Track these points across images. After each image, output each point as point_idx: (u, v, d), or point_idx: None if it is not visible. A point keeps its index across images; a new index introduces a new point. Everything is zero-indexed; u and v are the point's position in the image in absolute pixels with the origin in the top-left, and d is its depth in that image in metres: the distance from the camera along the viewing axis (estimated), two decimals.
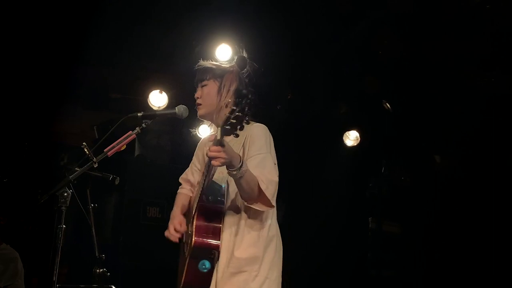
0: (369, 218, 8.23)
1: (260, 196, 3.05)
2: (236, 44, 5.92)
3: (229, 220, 3.22)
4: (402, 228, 8.05)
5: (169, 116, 3.49)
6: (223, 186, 3.26)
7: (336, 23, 6.19)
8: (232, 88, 3.28)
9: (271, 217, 3.31)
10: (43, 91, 6.23)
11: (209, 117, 3.47)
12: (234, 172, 2.94)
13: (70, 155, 6.10)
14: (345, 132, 7.89)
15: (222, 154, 2.86)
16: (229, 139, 2.87)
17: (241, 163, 2.92)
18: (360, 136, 7.83)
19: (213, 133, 3.54)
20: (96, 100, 6.72)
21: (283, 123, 7.64)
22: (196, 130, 6.73)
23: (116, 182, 4.25)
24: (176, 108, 3.44)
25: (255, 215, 3.22)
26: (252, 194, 3.05)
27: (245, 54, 3.53)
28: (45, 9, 5.63)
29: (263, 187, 3.01)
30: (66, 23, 5.76)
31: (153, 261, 6.61)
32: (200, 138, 3.81)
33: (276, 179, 3.13)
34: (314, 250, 7.88)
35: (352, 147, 7.90)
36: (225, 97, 3.26)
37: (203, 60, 3.55)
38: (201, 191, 3.20)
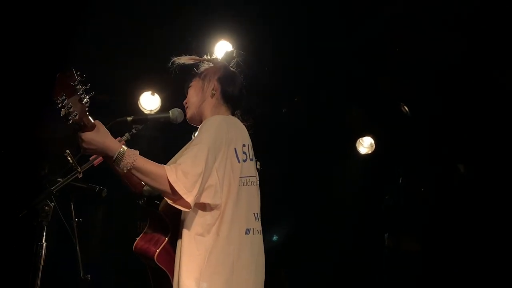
0: (385, 235, 8.20)
1: (174, 190, 2.88)
2: (235, 42, 5.93)
3: (178, 232, 3.10)
4: (423, 246, 8.02)
5: (162, 121, 3.49)
6: None
7: (348, 17, 6.19)
8: (215, 77, 3.34)
9: (226, 229, 3.07)
10: (22, 92, 6.22)
11: (198, 119, 3.48)
12: (115, 165, 2.91)
13: (52, 164, 6.10)
14: (358, 138, 7.89)
15: (82, 143, 2.87)
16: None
17: (117, 154, 2.85)
18: (375, 143, 7.82)
19: None
20: None
21: (289, 128, 7.64)
22: (192, 136, 6.73)
23: (103, 194, 4.25)
24: (170, 111, 3.44)
25: (198, 225, 3.06)
26: (160, 188, 2.92)
27: (233, 48, 3.57)
28: (26, 4, 5.63)
29: (171, 178, 2.84)
30: (49, 19, 5.76)
31: (145, 282, 6.60)
32: None
33: (196, 170, 2.89)
34: (323, 270, 7.86)
35: (366, 155, 7.89)
36: (207, 88, 3.29)
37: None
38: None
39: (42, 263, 3.18)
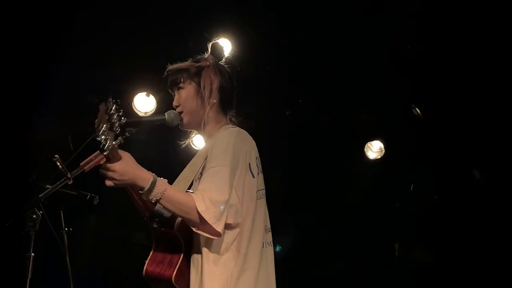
0: (395, 245, 8.20)
1: (202, 220, 2.92)
2: (235, 41, 5.93)
3: (194, 252, 3.16)
4: (435, 257, 8.02)
5: (157, 124, 3.49)
6: None
7: (356, 13, 6.19)
8: (214, 85, 3.34)
9: (246, 246, 3.17)
10: (8, 94, 6.23)
11: (195, 125, 3.50)
12: (145, 196, 2.94)
13: (40, 169, 6.09)
14: (367, 142, 7.88)
15: (114, 175, 2.88)
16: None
17: (150, 184, 2.89)
18: (384, 147, 7.81)
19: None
20: (71, 104, 6.72)
21: (293, 131, 7.63)
22: (190, 140, 6.72)
23: (95, 202, 4.25)
24: (165, 114, 3.44)
25: (217, 244, 3.11)
26: (188, 218, 2.96)
27: (218, 39, 3.57)
28: (16, 3, 5.64)
29: (200, 208, 2.89)
30: (36, 16, 5.76)
31: None
32: (196, 150, 3.79)
33: (224, 198, 2.96)
34: (329, 282, 7.85)
35: (376, 160, 7.88)
36: (209, 98, 3.30)
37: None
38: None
39: (29, 275, 3.18)
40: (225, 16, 6.07)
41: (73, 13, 5.72)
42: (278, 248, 7.58)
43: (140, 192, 2.95)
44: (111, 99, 2.79)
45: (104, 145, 2.73)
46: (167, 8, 6.00)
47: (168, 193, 2.91)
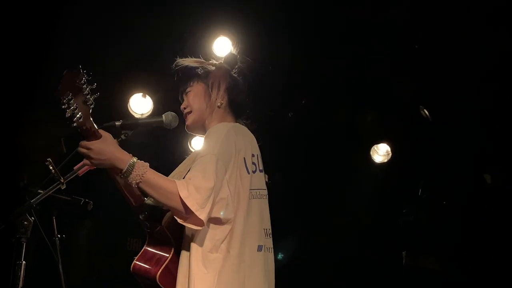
0: (403, 252, 8.19)
1: (186, 207, 2.90)
2: (235, 38, 5.92)
3: (184, 249, 3.16)
4: (444, 265, 8.00)
5: (154, 126, 3.49)
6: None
7: (361, 11, 6.19)
8: (223, 86, 3.37)
9: (237, 247, 3.14)
10: None
11: (200, 126, 3.53)
12: (123, 178, 2.94)
13: (31, 173, 6.09)
14: (373, 145, 7.87)
15: (90, 152, 2.89)
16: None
17: (128, 165, 2.89)
18: (391, 150, 7.80)
19: None
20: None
21: (296, 134, 7.62)
22: (188, 143, 6.73)
23: (89, 208, 4.25)
24: (163, 115, 3.44)
25: (207, 242, 3.10)
26: (171, 205, 2.95)
27: (235, 50, 3.60)
28: (4, 2, 5.64)
29: (183, 194, 2.88)
30: (29, 13, 5.76)
31: None
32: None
33: (209, 185, 2.93)
34: None
35: (382, 164, 7.87)
36: (217, 98, 3.33)
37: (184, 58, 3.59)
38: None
39: (20, 284, 3.17)
40: (225, 15, 6.07)
41: (67, 12, 5.71)
42: (280, 256, 7.58)
43: (120, 175, 2.94)
44: (80, 70, 2.81)
45: (73, 115, 2.73)
46: (165, 8, 6.00)
47: (148, 176, 2.90)
